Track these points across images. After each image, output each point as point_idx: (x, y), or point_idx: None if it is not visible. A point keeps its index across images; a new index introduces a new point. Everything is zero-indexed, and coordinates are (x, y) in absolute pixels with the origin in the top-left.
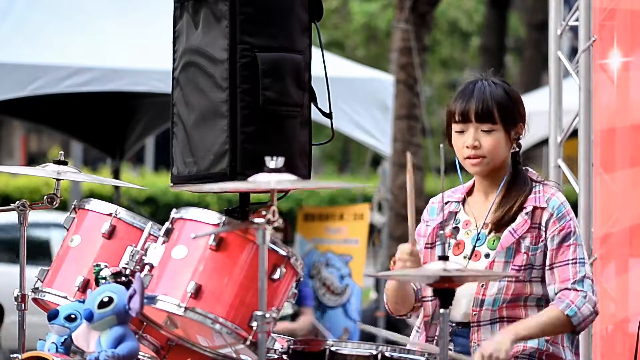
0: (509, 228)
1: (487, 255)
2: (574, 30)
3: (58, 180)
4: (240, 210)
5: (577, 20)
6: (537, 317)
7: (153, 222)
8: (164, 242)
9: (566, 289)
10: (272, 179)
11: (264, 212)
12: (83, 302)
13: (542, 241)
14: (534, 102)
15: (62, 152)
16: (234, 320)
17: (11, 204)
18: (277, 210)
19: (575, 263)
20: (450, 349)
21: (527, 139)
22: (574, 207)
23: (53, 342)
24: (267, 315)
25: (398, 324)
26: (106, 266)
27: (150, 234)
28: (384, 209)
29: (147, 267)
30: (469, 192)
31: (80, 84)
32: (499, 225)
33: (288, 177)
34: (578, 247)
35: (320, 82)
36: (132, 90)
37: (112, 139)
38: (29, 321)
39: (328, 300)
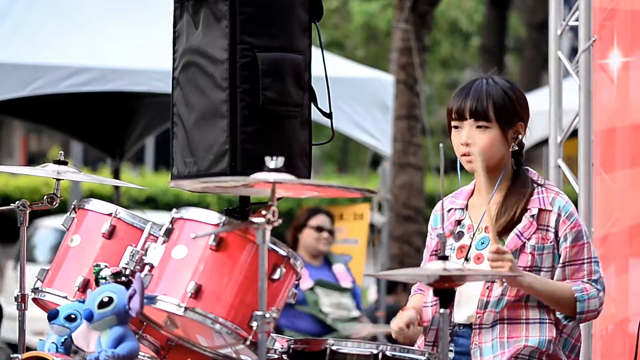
0: (515, 230)
1: None
2: (574, 30)
3: (58, 180)
4: (240, 210)
5: (577, 20)
6: (553, 283)
7: (153, 222)
8: (164, 242)
9: (581, 281)
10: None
11: (264, 212)
12: (83, 302)
13: (550, 242)
14: (534, 102)
15: (62, 152)
16: (234, 320)
17: (11, 204)
18: (277, 211)
19: (591, 262)
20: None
21: (527, 139)
22: (574, 207)
23: (53, 342)
24: (267, 315)
25: None
26: (106, 266)
27: (150, 234)
28: (384, 209)
29: (147, 267)
30: (471, 195)
31: (80, 84)
32: (504, 230)
33: (287, 176)
34: (590, 245)
35: (320, 82)
36: (132, 90)
37: (112, 139)
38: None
39: None
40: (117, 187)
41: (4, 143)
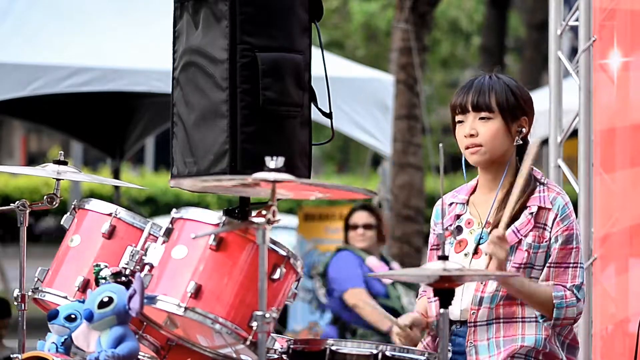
0: (512, 227)
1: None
2: (574, 30)
3: (58, 180)
4: (240, 210)
5: (577, 20)
6: (536, 286)
7: (153, 222)
8: (164, 242)
9: (563, 287)
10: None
11: (264, 212)
12: (83, 302)
13: (545, 241)
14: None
15: (62, 152)
16: (234, 320)
17: (11, 204)
18: (277, 210)
19: (576, 267)
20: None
21: (530, 138)
22: (574, 207)
23: (53, 342)
24: (267, 315)
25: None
26: (106, 266)
27: (150, 234)
28: (384, 209)
29: (147, 267)
30: (473, 192)
31: (80, 84)
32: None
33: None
34: (579, 251)
35: (320, 82)
36: (132, 90)
37: (112, 139)
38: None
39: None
40: (117, 187)
41: (4, 143)
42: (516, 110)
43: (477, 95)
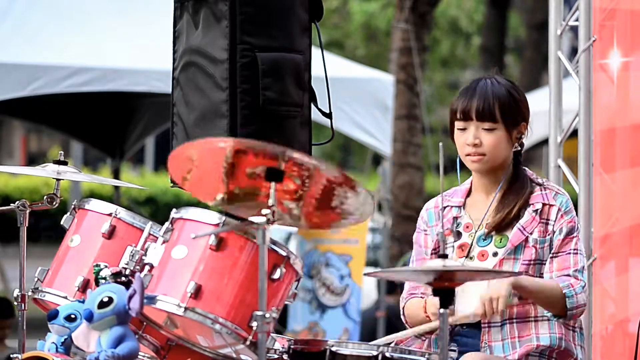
0: (518, 225)
1: (494, 254)
2: (574, 30)
3: (58, 180)
4: None
5: (577, 20)
6: (540, 279)
7: (153, 222)
8: (164, 242)
9: (567, 275)
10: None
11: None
12: (83, 302)
13: (549, 234)
14: (534, 102)
15: (62, 152)
16: (234, 321)
17: (11, 204)
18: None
19: (577, 253)
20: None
21: (527, 139)
22: (574, 207)
23: (53, 342)
24: (267, 315)
25: (398, 323)
26: (106, 266)
27: (150, 234)
28: (384, 209)
29: (147, 267)
30: (468, 194)
31: (80, 84)
32: (500, 226)
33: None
34: (579, 239)
35: (320, 82)
36: (132, 90)
37: (112, 139)
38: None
39: (328, 300)
40: (117, 187)
41: (4, 143)
42: (517, 117)
43: (482, 104)
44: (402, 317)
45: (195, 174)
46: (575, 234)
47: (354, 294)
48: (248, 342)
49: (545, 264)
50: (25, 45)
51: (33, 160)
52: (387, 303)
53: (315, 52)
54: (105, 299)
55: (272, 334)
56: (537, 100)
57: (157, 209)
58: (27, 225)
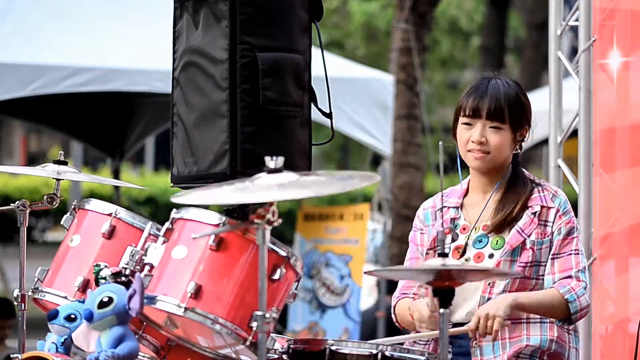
0: (516, 227)
1: (490, 256)
2: (574, 30)
3: (58, 180)
4: (240, 210)
5: (577, 20)
6: (538, 292)
7: (153, 222)
8: (164, 242)
9: (568, 277)
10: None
11: (263, 212)
12: (83, 302)
13: (547, 236)
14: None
15: (62, 152)
16: (234, 321)
17: (11, 204)
18: (277, 211)
19: (578, 254)
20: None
21: (527, 141)
22: (574, 207)
23: (53, 342)
24: (267, 315)
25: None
26: (106, 266)
27: (150, 234)
28: (384, 209)
29: (147, 267)
30: (465, 194)
31: (80, 84)
32: (499, 227)
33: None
34: (579, 239)
35: (320, 82)
36: (132, 90)
37: (112, 139)
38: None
39: (328, 300)
40: (117, 187)
41: (4, 143)
42: (523, 120)
43: (493, 103)
44: (392, 315)
45: None
46: (574, 235)
47: (354, 294)
48: (248, 343)
49: (542, 265)
50: (25, 45)
51: (33, 160)
52: (387, 303)
53: (315, 52)
54: (105, 299)
55: (272, 334)
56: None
57: (157, 209)
58: (27, 225)
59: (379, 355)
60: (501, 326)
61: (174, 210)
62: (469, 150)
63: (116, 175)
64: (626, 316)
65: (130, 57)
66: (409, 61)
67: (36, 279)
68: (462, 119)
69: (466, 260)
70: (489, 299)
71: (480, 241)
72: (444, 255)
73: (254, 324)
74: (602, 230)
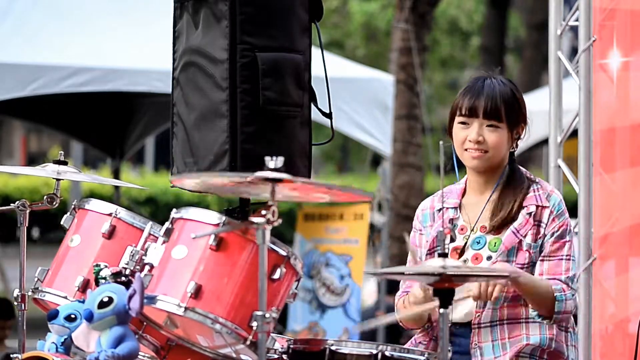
0: (511, 228)
1: (488, 258)
2: (574, 30)
3: (58, 180)
4: (240, 210)
5: (577, 20)
6: (535, 277)
7: (153, 222)
8: (164, 242)
9: (558, 280)
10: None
11: (263, 212)
12: (83, 302)
13: (540, 238)
14: (534, 102)
15: (62, 152)
16: (234, 320)
17: (11, 204)
18: (277, 211)
19: (569, 260)
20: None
21: (527, 139)
22: (574, 207)
23: (53, 342)
24: (267, 315)
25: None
26: (106, 266)
27: (150, 234)
28: (384, 209)
29: (147, 267)
30: (463, 194)
31: (80, 84)
32: (499, 227)
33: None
34: (572, 245)
35: (320, 82)
36: (132, 90)
37: (112, 139)
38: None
39: (328, 300)
40: (117, 187)
41: (4, 143)
42: (519, 119)
43: (489, 102)
44: (395, 314)
45: None
46: (567, 239)
47: (354, 294)
48: (248, 342)
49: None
50: (25, 45)
51: (33, 160)
52: (387, 303)
53: (315, 52)
54: (105, 299)
55: (272, 334)
56: (537, 100)
57: (157, 209)
58: (27, 225)
59: (379, 355)
60: (500, 292)
61: (174, 210)
62: (466, 150)
63: (116, 175)
64: (626, 316)
65: (130, 57)
66: (409, 61)
67: (36, 279)
68: (458, 119)
69: (464, 261)
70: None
71: (478, 242)
72: (444, 255)
73: (254, 324)
74: (602, 230)
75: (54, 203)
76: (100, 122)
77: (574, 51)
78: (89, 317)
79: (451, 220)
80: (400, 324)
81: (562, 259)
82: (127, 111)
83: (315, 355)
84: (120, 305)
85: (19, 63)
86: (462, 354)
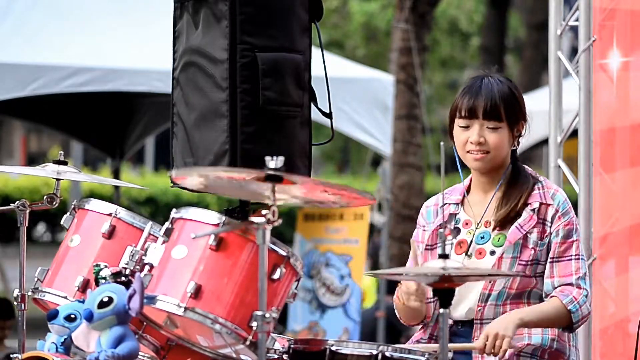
0: (515, 224)
1: (492, 253)
2: (574, 30)
3: (58, 180)
4: (240, 210)
5: (577, 20)
6: (541, 306)
7: (153, 222)
8: (163, 242)
9: (569, 284)
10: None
11: (264, 212)
12: (83, 302)
13: (546, 236)
14: (534, 102)
15: (62, 152)
16: (234, 321)
17: (11, 204)
18: (277, 211)
19: (578, 259)
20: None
21: (527, 139)
22: (574, 207)
23: (53, 342)
24: (267, 315)
25: (398, 323)
26: (106, 266)
27: (150, 234)
28: (384, 209)
29: (147, 267)
30: (467, 192)
31: (80, 84)
32: (504, 223)
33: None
34: (580, 243)
35: (320, 82)
36: (132, 90)
37: (112, 139)
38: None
39: (328, 300)
40: (117, 187)
41: (4, 143)
42: (519, 116)
43: (489, 103)
44: (395, 311)
45: None
46: (574, 238)
47: (354, 294)
48: (248, 342)
49: (541, 264)
50: (25, 45)
51: (33, 160)
52: (387, 303)
53: (315, 52)
54: (105, 299)
55: (272, 334)
56: (537, 100)
57: (157, 209)
58: (26, 225)
59: (379, 356)
60: (509, 346)
61: (174, 210)
62: (468, 152)
63: (116, 175)
64: (626, 316)
65: (130, 57)
66: (409, 61)
67: (36, 279)
68: (458, 121)
69: (468, 256)
70: (489, 295)
71: (482, 237)
72: (444, 256)
73: (254, 324)
74: (602, 230)
75: (54, 203)
76: (100, 122)
77: (574, 51)
78: (89, 317)
79: (452, 215)
80: (401, 319)
81: (571, 259)
82: (127, 111)
83: (316, 355)
84: (120, 305)
85: (19, 63)
86: (461, 354)
